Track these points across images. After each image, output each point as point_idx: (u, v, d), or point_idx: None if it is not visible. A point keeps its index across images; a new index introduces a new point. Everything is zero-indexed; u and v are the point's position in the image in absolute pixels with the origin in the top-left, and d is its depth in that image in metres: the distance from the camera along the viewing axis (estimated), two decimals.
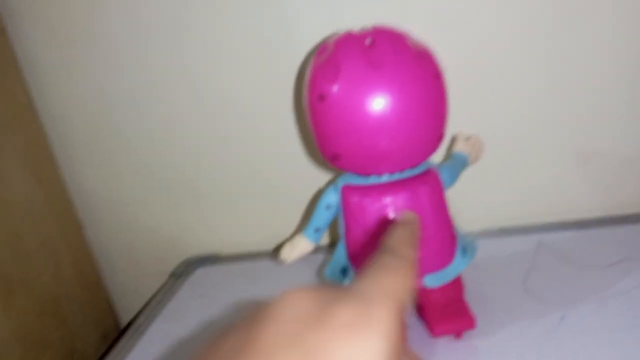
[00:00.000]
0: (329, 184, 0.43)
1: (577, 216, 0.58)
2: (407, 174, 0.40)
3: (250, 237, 0.66)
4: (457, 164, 0.45)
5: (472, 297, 0.44)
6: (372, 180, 0.40)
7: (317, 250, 0.45)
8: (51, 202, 0.62)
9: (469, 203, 0.51)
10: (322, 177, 0.61)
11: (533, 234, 0.56)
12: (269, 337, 0.16)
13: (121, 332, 0.70)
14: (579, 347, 0.39)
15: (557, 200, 0.59)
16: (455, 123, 0.41)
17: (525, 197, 0.60)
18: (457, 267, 0.41)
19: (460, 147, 0.46)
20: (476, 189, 0.56)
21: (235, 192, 0.64)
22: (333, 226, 0.44)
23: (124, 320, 0.73)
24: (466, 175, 0.46)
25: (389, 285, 0.18)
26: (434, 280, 0.40)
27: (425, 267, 0.40)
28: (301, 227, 0.45)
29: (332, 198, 0.42)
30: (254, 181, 0.63)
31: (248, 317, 0.18)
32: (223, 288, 0.58)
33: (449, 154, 0.47)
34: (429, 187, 0.40)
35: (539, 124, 0.56)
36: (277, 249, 0.63)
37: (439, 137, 0.39)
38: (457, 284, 0.43)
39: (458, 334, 0.42)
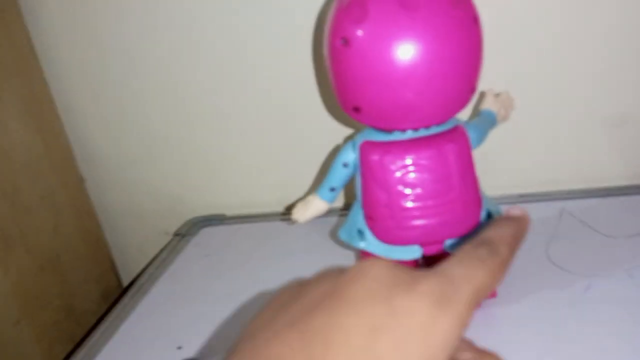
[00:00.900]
0: (347, 140, 0.41)
1: (603, 184, 0.56)
2: (433, 130, 0.37)
3: (260, 198, 0.64)
4: (486, 122, 0.42)
5: None
6: (395, 136, 0.38)
7: (329, 212, 0.43)
8: (52, 154, 0.60)
9: (490, 167, 0.49)
10: (339, 132, 0.57)
11: (556, 201, 0.53)
12: (356, 290, 0.17)
13: (123, 291, 0.69)
14: (604, 318, 0.37)
15: (582, 166, 0.57)
16: (480, 84, 0.38)
17: (549, 162, 0.57)
18: None
19: (489, 104, 0.43)
20: (498, 152, 0.53)
21: (244, 149, 0.62)
22: (347, 187, 0.42)
23: (126, 279, 0.71)
24: (488, 138, 0.43)
25: (476, 278, 0.18)
26: (457, 246, 0.38)
27: (448, 231, 0.38)
28: (315, 187, 0.42)
29: (349, 155, 0.40)
30: (265, 137, 0.60)
31: (329, 273, 0.19)
32: (229, 249, 0.56)
33: (476, 112, 0.45)
34: (456, 145, 0.37)
35: (566, 86, 0.54)
36: (288, 210, 0.61)
37: (471, 91, 0.36)
38: None
39: None
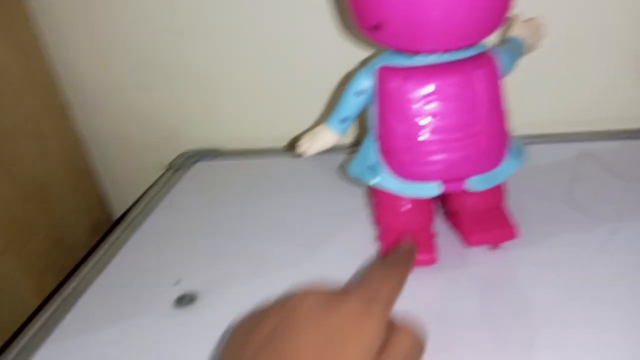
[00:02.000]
0: (361, 65, 0.37)
1: (627, 126, 0.53)
2: (460, 55, 0.34)
3: (261, 132, 0.60)
4: (514, 49, 0.38)
5: (511, 207, 0.39)
6: (417, 60, 0.34)
7: (337, 149, 0.40)
8: (33, 77, 0.55)
9: (508, 105, 0.46)
10: (352, 57, 0.53)
11: (578, 142, 0.51)
12: (299, 318, 0.24)
13: (114, 225, 0.66)
14: (631, 262, 0.36)
15: (607, 107, 0.53)
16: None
17: (572, 102, 0.54)
18: (508, 169, 0.36)
19: (518, 31, 0.39)
20: (517, 89, 0.50)
21: (245, 78, 0.57)
22: (357, 122, 0.38)
23: (117, 212, 0.69)
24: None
25: (387, 293, 0.26)
26: (480, 183, 0.35)
27: (472, 167, 0.35)
28: (323, 121, 0.39)
29: (364, 82, 0.35)
30: (268, 64, 0.56)
31: (275, 305, 0.26)
32: (226, 183, 0.53)
33: (503, 39, 0.40)
34: (485, 71, 0.33)
35: (598, 16, 0.49)
36: (291, 145, 0.58)
37: (505, 10, 0.32)
38: (499, 189, 0.38)
39: (495, 245, 0.38)
